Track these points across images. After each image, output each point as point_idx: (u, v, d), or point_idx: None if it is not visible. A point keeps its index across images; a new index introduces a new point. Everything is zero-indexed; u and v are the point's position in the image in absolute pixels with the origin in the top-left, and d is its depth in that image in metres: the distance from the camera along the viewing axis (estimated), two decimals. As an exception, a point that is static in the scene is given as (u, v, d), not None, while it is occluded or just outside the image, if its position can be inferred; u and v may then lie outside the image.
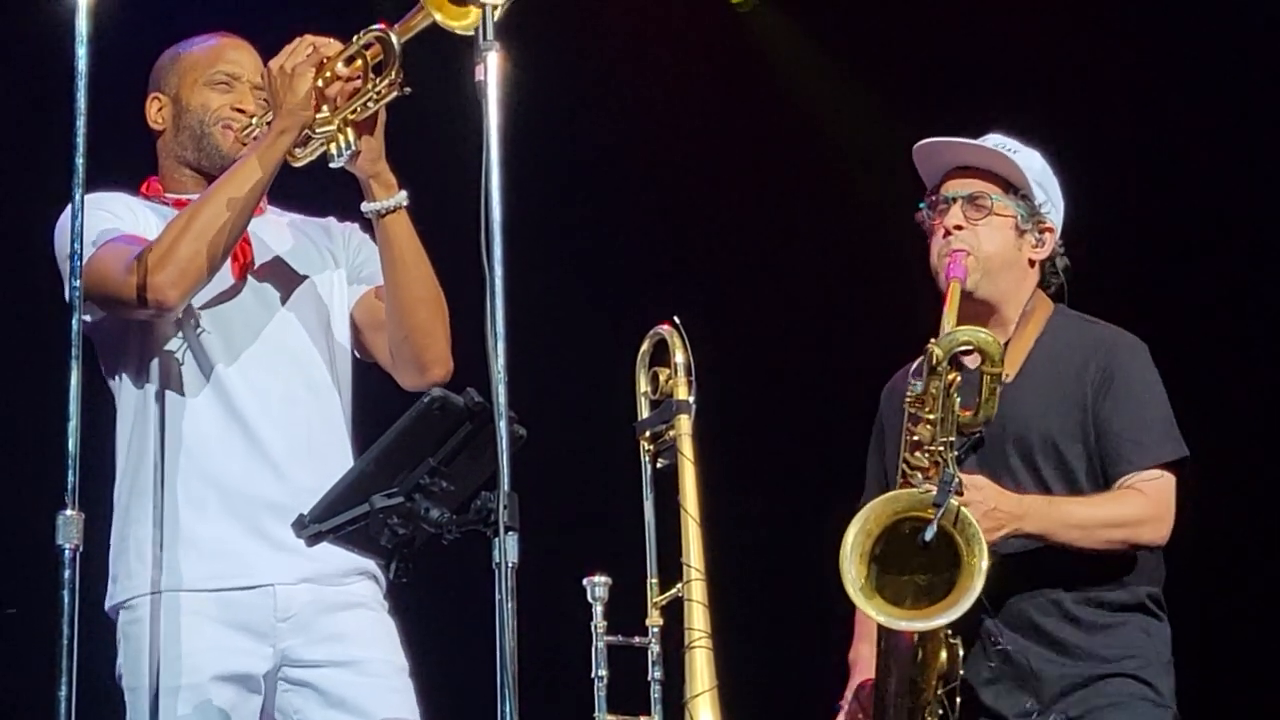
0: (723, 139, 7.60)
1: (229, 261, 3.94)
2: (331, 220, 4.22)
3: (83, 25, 3.59)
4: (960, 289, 4.24)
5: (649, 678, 4.16)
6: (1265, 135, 6.92)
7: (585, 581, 4.17)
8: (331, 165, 3.90)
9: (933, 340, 4.12)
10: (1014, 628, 4.19)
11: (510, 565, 3.24)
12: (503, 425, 3.27)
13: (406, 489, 3.36)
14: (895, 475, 4.20)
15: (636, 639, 4.18)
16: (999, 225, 4.35)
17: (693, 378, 4.30)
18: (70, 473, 3.43)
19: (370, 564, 3.88)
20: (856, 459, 4.61)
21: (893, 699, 4.16)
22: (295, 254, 4.10)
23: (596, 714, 4.11)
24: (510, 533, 3.24)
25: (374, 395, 4.15)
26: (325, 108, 3.87)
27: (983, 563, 3.96)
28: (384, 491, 3.36)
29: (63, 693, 3.37)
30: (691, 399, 4.28)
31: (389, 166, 3.92)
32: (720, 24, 7.76)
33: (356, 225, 4.16)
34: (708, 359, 4.35)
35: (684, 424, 4.26)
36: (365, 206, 3.94)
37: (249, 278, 4.02)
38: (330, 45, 3.87)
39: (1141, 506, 4.20)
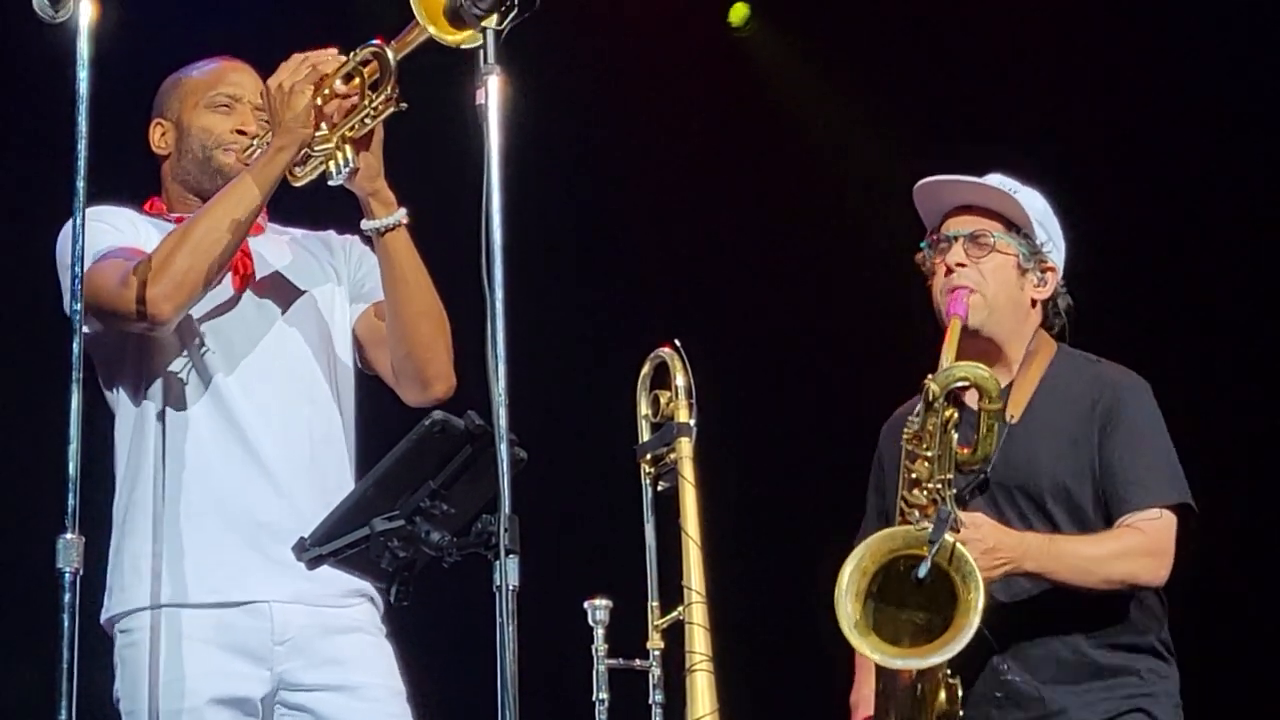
0: (723, 163, 7.61)
1: (229, 276, 3.94)
2: (331, 233, 4.22)
3: (84, 48, 3.59)
4: (961, 326, 4.23)
5: (650, 701, 4.16)
6: (1266, 174, 6.94)
7: (586, 604, 4.17)
8: (331, 183, 3.90)
9: (930, 376, 4.11)
10: (1019, 668, 4.18)
11: (511, 588, 3.23)
12: (503, 448, 3.27)
13: (407, 512, 3.35)
14: (894, 513, 4.18)
15: (637, 662, 4.18)
16: (1001, 263, 4.34)
17: (693, 401, 4.30)
18: (70, 496, 3.42)
19: (368, 586, 3.87)
20: (858, 482, 4.60)
21: (892, 738, 4.15)
22: (296, 268, 4.10)
23: (597, 737, 4.12)
24: (511, 556, 3.24)
25: (376, 410, 4.15)
26: (324, 125, 3.87)
27: (979, 600, 3.94)
28: (384, 514, 3.36)
29: (63, 716, 3.36)
30: (692, 422, 4.28)
31: (388, 184, 3.92)
32: (720, 48, 7.78)
33: (357, 238, 4.16)
34: (709, 382, 4.34)
35: (685, 447, 4.26)
36: (365, 224, 3.94)
37: (249, 292, 4.02)
38: (329, 62, 3.88)
39: (1139, 546, 4.18)
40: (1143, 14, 7.10)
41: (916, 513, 4.10)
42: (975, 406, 4.19)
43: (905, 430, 4.14)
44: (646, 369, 4.40)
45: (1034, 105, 7.02)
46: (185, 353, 3.95)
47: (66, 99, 3.58)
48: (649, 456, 4.32)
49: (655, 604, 4.23)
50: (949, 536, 3.98)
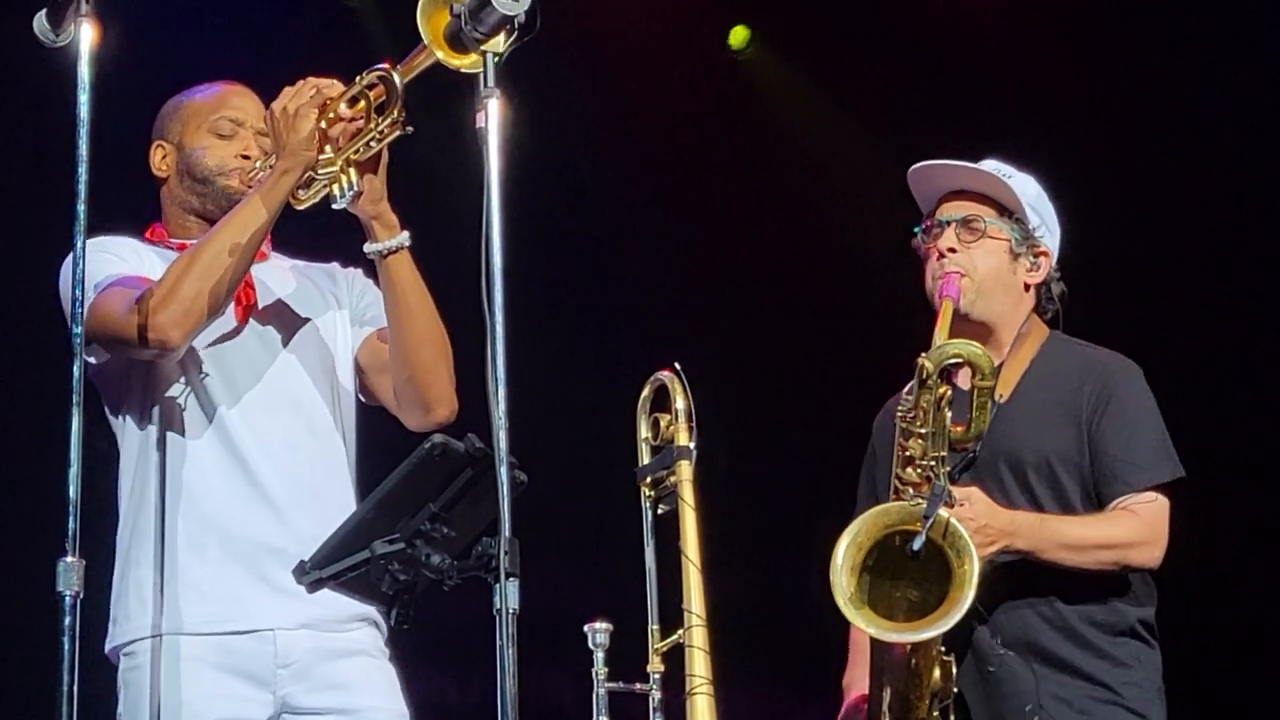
0: (723, 184, 7.63)
1: (232, 305, 3.94)
2: (335, 265, 4.23)
3: (84, 72, 3.59)
4: (953, 308, 4.26)
5: (650, 724, 4.15)
6: (1261, 164, 6.97)
7: (586, 627, 4.16)
8: (334, 206, 3.90)
9: (923, 354, 4.12)
10: (1009, 641, 4.19)
11: (511, 611, 3.23)
12: (504, 471, 3.27)
13: (407, 535, 3.35)
14: (887, 493, 4.19)
15: (638, 685, 4.17)
16: (993, 248, 4.37)
17: (693, 423, 4.30)
18: (71, 519, 3.42)
19: (371, 610, 3.87)
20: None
21: (886, 715, 4.15)
22: (298, 297, 4.10)
23: (598, 760, 4.11)
24: (511, 579, 3.23)
25: (377, 439, 4.15)
26: (328, 148, 3.87)
27: (973, 574, 3.95)
28: (385, 537, 3.35)
29: (63, 740, 3.36)
30: (692, 445, 4.28)
31: (391, 207, 3.92)
32: (719, 70, 7.79)
33: (360, 270, 4.16)
34: (708, 405, 4.35)
35: (685, 470, 4.26)
36: (368, 247, 3.94)
37: (251, 321, 4.01)
38: (333, 87, 3.88)
39: (1134, 528, 4.20)
40: (1139, 18, 7.14)
41: (910, 490, 4.11)
42: (967, 387, 4.20)
43: (899, 408, 4.16)
44: (646, 392, 4.40)
45: (1034, 124, 7.03)
46: (188, 382, 3.94)
47: (67, 122, 3.58)
48: (649, 479, 4.32)
49: (655, 627, 4.22)
50: (943, 511, 3.99)
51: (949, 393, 4.15)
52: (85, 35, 3.60)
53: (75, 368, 3.49)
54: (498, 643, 3.22)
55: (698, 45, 7.74)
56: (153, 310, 3.78)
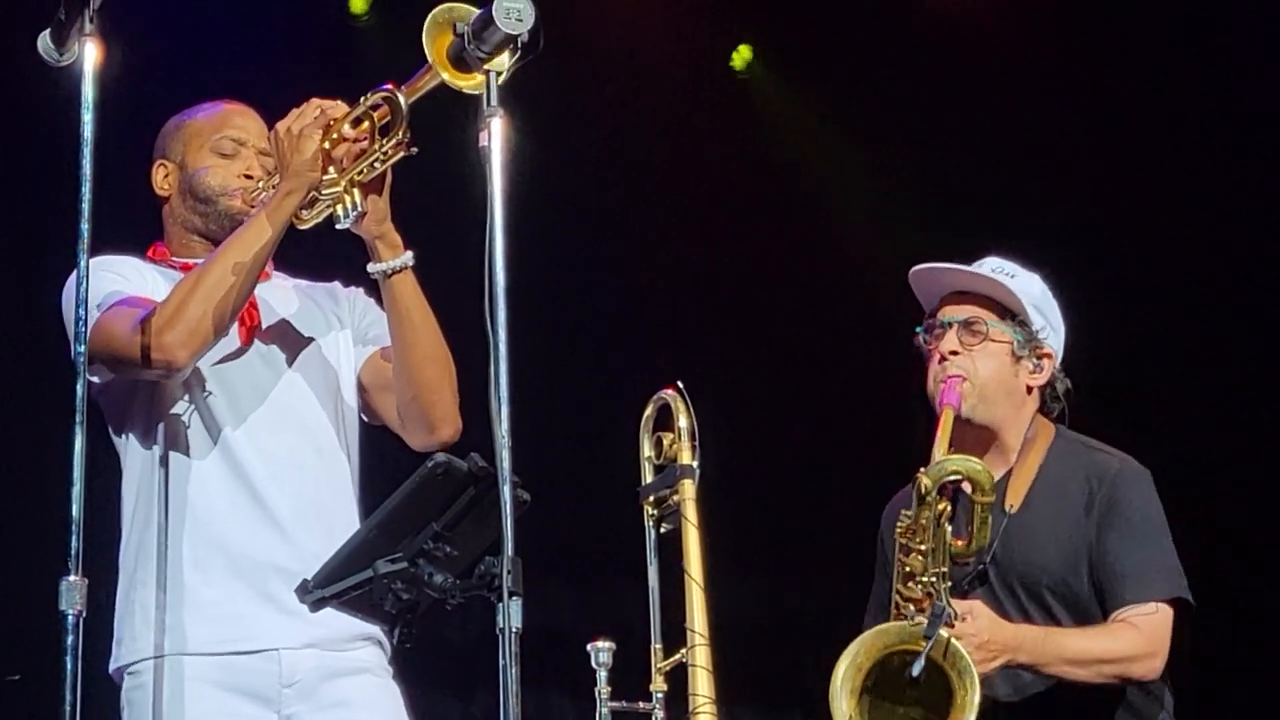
0: (726, 203, 7.63)
1: (236, 325, 3.94)
2: (336, 284, 4.23)
3: (88, 91, 3.60)
4: (954, 415, 4.22)
5: (653, 743, 4.15)
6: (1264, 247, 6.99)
7: (589, 647, 4.16)
8: (338, 227, 3.90)
9: (921, 470, 4.09)
10: None
11: (514, 630, 3.23)
12: (506, 490, 3.26)
13: (410, 554, 3.35)
14: (890, 606, 4.16)
15: (641, 704, 4.16)
16: (994, 351, 4.32)
17: (696, 442, 4.29)
18: (74, 538, 3.42)
19: (376, 629, 3.87)
20: (861, 526, 4.59)
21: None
22: (301, 317, 4.10)
23: (601, 780, 4.10)
24: (514, 598, 3.23)
25: (382, 458, 4.15)
26: (332, 169, 3.87)
27: (974, 696, 3.92)
28: (387, 557, 3.35)
29: (67, 760, 3.36)
30: (695, 463, 4.28)
31: (394, 227, 3.93)
32: (722, 90, 7.80)
33: (361, 289, 4.17)
34: (711, 423, 4.34)
35: (688, 488, 4.25)
36: (371, 268, 3.94)
37: (255, 341, 4.01)
38: (337, 107, 3.88)
39: (1133, 642, 4.16)
40: (1150, 79, 7.15)
41: (911, 607, 4.07)
42: (969, 489, 4.17)
43: (899, 524, 4.12)
44: (649, 411, 4.40)
45: (1035, 148, 7.04)
46: (193, 403, 3.94)
47: (71, 141, 3.58)
48: (652, 498, 4.32)
49: (658, 646, 4.22)
50: (944, 631, 3.96)
51: (949, 509, 4.11)
52: (89, 54, 3.60)
53: (78, 386, 3.49)
54: (501, 662, 3.21)
55: (701, 65, 7.75)
56: (159, 330, 3.78)
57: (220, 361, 3.96)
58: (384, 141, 3.82)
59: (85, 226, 3.55)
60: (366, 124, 3.86)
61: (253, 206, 4.01)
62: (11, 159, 6.32)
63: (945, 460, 4.10)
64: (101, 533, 3.81)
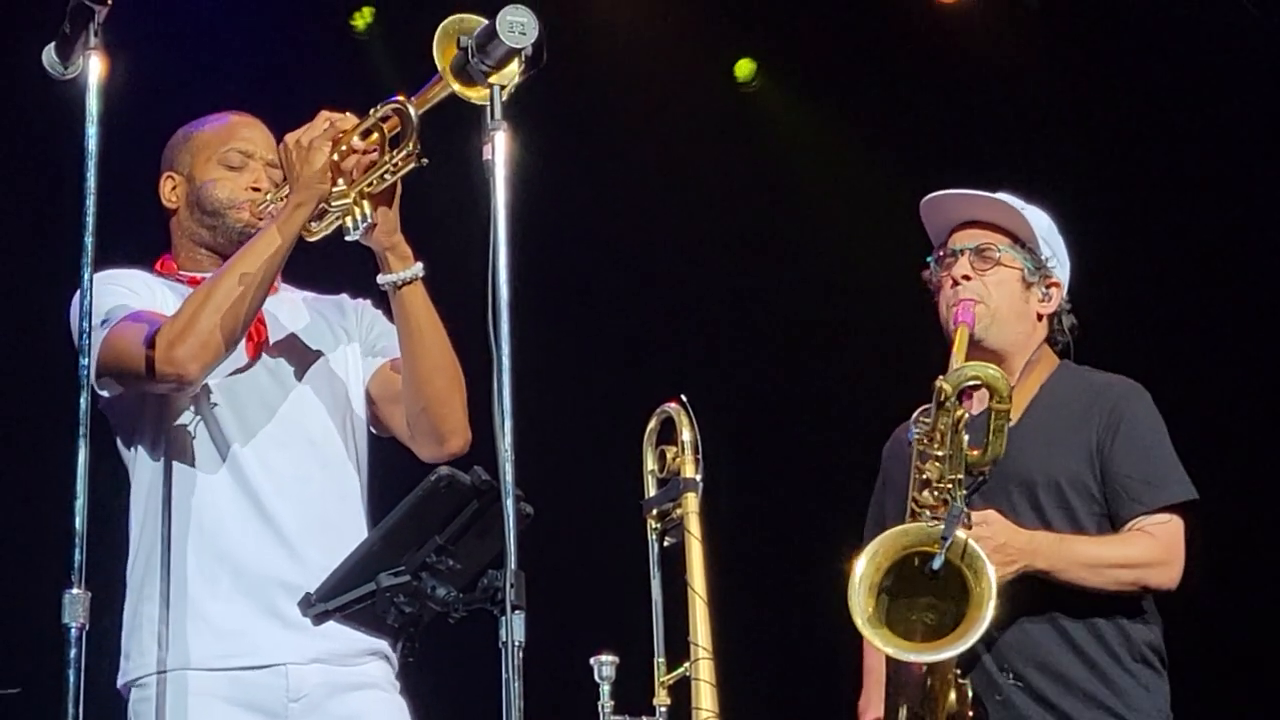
0: (729, 216, 7.64)
1: (243, 340, 3.94)
2: (344, 297, 4.23)
3: (93, 105, 3.60)
4: (968, 335, 4.27)
5: (656, 757, 4.15)
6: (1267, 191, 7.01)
7: (592, 660, 4.15)
8: (347, 238, 3.90)
9: (940, 377, 4.13)
10: (1017, 669, 4.17)
11: (517, 644, 3.22)
12: (510, 503, 3.26)
13: (413, 567, 3.35)
14: (898, 518, 4.19)
15: (643, 718, 4.16)
16: (1006, 276, 4.40)
17: (700, 456, 4.30)
18: (77, 551, 3.41)
19: (383, 644, 3.86)
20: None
21: (901, 737, 4.14)
22: (309, 331, 4.10)
23: (604, 794, 4.10)
24: (517, 611, 3.23)
25: (389, 472, 4.15)
26: (341, 181, 3.87)
27: (991, 591, 3.94)
28: (390, 570, 3.35)
29: (70, 773, 3.35)
30: (698, 477, 4.28)
31: (404, 238, 3.93)
32: (726, 104, 7.80)
33: (369, 301, 4.17)
34: (715, 437, 4.34)
35: (691, 502, 4.25)
36: (381, 279, 3.94)
37: (263, 355, 4.01)
38: (346, 119, 3.88)
39: (1151, 549, 4.21)
40: (1148, 53, 7.17)
41: (927, 513, 4.11)
42: (982, 413, 4.21)
43: (916, 430, 4.16)
44: (653, 424, 4.40)
45: (1043, 158, 7.05)
46: (200, 418, 3.94)
47: (75, 155, 3.59)
48: (655, 512, 4.32)
49: (661, 660, 4.22)
50: (961, 533, 3.98)
51: (966, 415, 4.15)
52: (94, 68, 3.61)
53: (82, 400, 3.48)
54: (503, 675, 3.21)
55: (704, 78, 7.76)
56: (169, 344, 3.77)
57: (228, 376, 3.96)
58: (394, 153, 3.82)
59: (89, 240, 3.55)
60: (376, 135, 3.86)
61: (261, 219, 4.01)
62: (15, 172, 6.32)
63: (964, 366, 4.16)
64: (104, 545, 3.81)
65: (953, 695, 4.07)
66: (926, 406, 4.15)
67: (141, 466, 3.97)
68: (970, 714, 4.09)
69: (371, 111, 3.86)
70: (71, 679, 3.37)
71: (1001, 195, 4.46)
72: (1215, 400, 6.99)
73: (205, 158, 4.11)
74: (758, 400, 7.65)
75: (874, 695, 4.37)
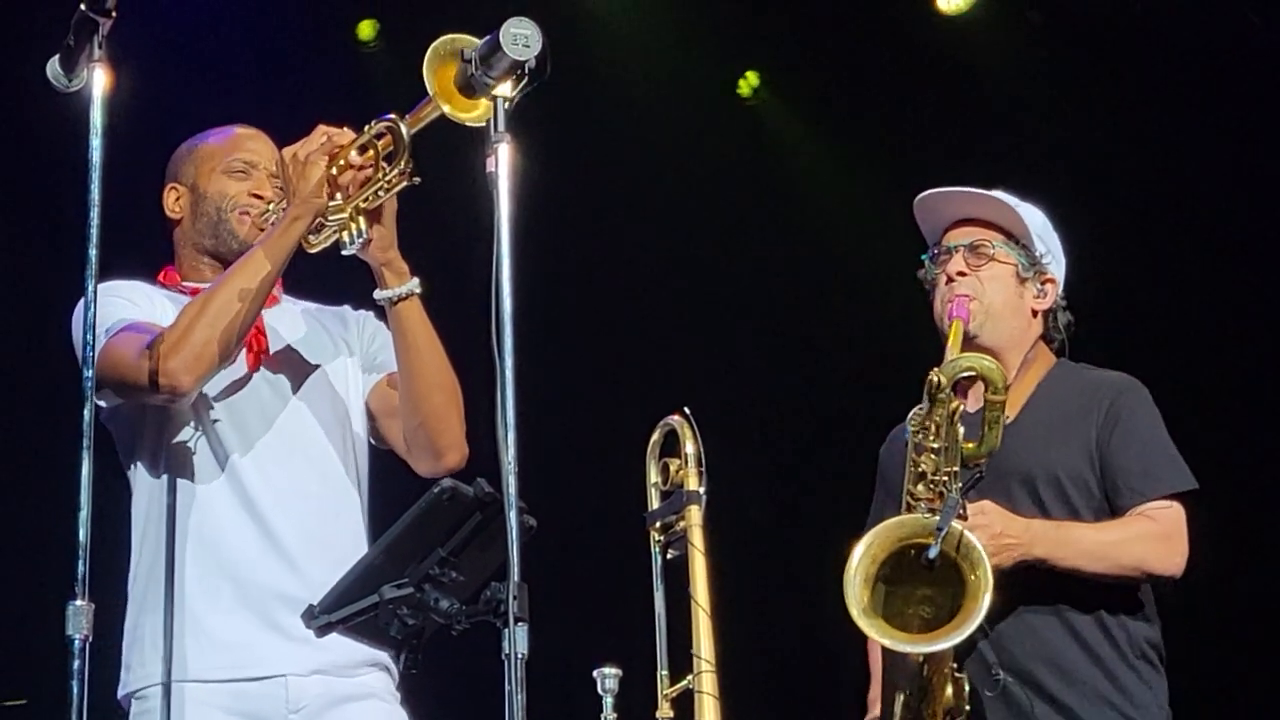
0: (732, 229, 7.64)
1: (243, 352, 3.94)
2: (346, 308, 4.23)
3: (97, 117, 3.61)
4: (963, 330, 4.27)
5: (659, 770, 4.14)
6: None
7: (595, 673, 4.15)
8: (344, 252, 3.91)
9: (935, 368, 4.12)
10: (1013, 663, 4.16)
11: (520, 656, 3.22)
12: (513, 515, 3.26)
13: (416, 579, 3.34)
14: (899, 512, 4.16)
15: (647, 731, 4.16)
16: (1000, 273, 4.40)
17: (703, 468, 4.29)
18: (80, 563, 3.42)
19: (383, 655, 3.86)
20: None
21: (897, 729, 4.13)
22: (309, 342, 4.11)
23: (607, 807, 4.10)
24: (520, 624, 3.23)
25: (392, 484, 4.15)
26: (338, 195, 3.88)
27: (987, 586, 3.92)
28: (393, 582, 3.35)
29: (72, 785, 3.35)
30: (702, 490, 4.27)
31: (401, 254, 3.93)
32: (729, 117, 7.81)
33: (371, 313, 4.17)
34: (718, 450, 4.34)
35: (694, 515, 4.25)
36: (378, 294, 3.95)
37: (263, 367, 4.02)
38: (344, 134, 3.89)
39: (1151, 532, 4.19)
40: (1150, 64, 7.18)
41: (922, 505, 4.09)
42: (973, 409, 4.20)
43: (910, 423, 4.14)
44: (656, 436, 4.40)
45: (1047, 171, 7.05)
46: (201, 429, 3.95)
47: (79, 167, 3.59)
48: (658, 524, 4.31)
49: (664, 672, 4.21)
50: (956, 524, 3.97)
51: (961, 406, 4.14)
52: (98, 80, 3.61)
53: (86, 411, 3.49)
54: (507, 688, 3.21)
55: (707, 91, 7.77)
56: (164, 356, 3.78)
57: (228, 388, 3.96)
58: (388, 170, 3.83)
59: (93, 252, 3.55)
60: (371, 151, 3.87)
61: (262, 231, 4.02)
62: (19, 184, 6.33)
63: (959, 357, 4.15)
64: (108, 557, 3.81)
65: (949, 689, 4.04)
66: (922, 405, 4.14)
67: (142, 479, 3.98)
68: (967, 708, 4.08)
69: (366, 128, 3.87)
70: (75, 690, 3.37)
71: (995, 192, 4.46)
72: (1211, 398, 7.00)
73: (209, 168, 4.12)
74: (762, 412, 7.65)
75: (879, 689, 4.36)
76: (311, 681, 3.87)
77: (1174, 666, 4.30)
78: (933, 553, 3.93)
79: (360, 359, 4.15)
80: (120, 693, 3.92)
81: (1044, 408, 4.34)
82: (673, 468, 4.33)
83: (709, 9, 7.50)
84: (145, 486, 3.97)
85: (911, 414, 4.15)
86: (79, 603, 3.40)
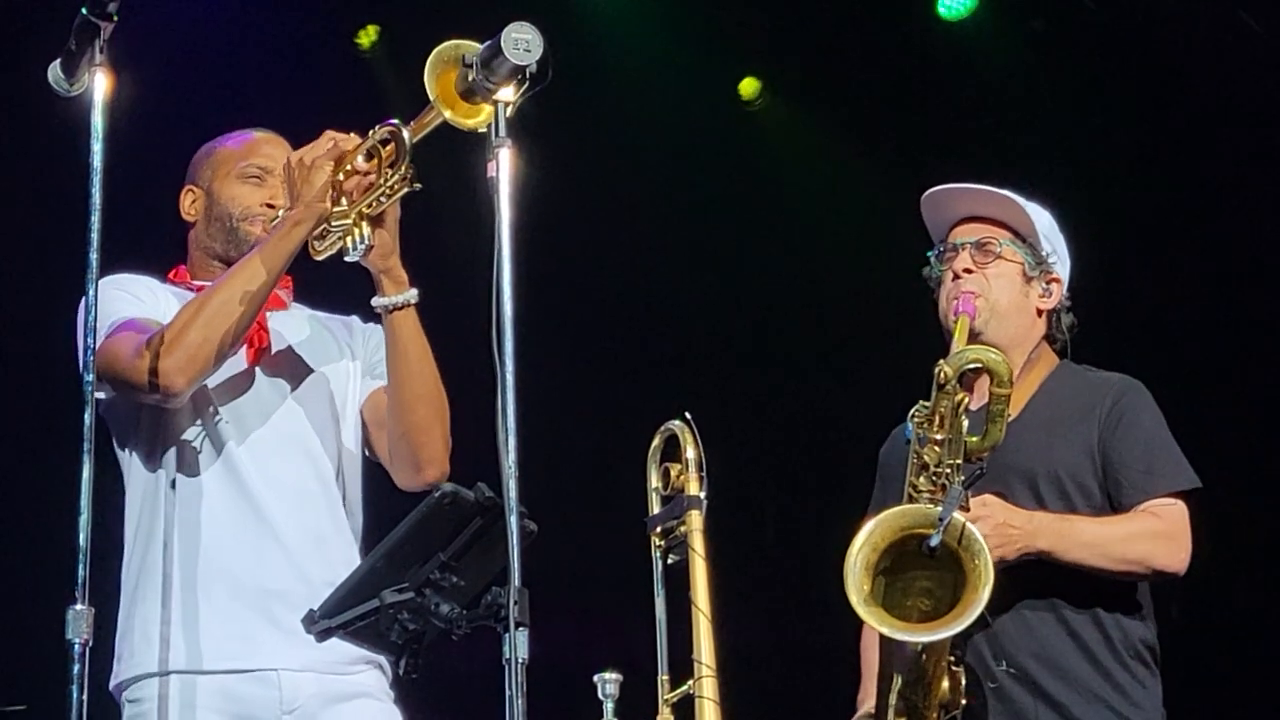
0: (734, 234, 7.64)
1: (244, 349, 3.95)
2: (355, 318, 4.24)
3: (98, 121, 3.61)
4: (969, 325, 4.27)
5: (660, 775, 4.14)
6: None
7: (596, 678, 4.15)
8: (347, 259, 3.91)
9: (942, 360, 4.12)
10: (1012, 658, 4.16)
11: (521, 661, 3.22)
12: (513, 520, 3.26)
13: (417, 584, 3.35)
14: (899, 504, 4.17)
15: (647, 736, 4.16)
16: (1007, 270, 4.40)
17: (704, 473, 4.29)
18: (81, 567, 3.42)
19: (377, 654, 3.87)
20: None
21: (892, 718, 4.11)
22: (310, 346, 4.11)
23: (607, 812, 4.09)
24: (521, 628, 3.23)
25: (391, 488, 4.15)
26: (343, 201, 3.88)
27: (988, 577, 3.90)
28: (394, 586, 3.35)
29: (71, 787, 3.35)
30: (702, 494, 4.27)
31: (402, 263, 3.93)
32: (731, 121, 7.82)
33: (379, 325, 4.17)
34: (719, 454, 4.34)
35: (695, 519, 4.24)
36: (375, 301, 3.95)
37: (262, 365, 4.02)
38: (350, 140, 3.90)
39: (1156, 528, 4.18)
40: (1152, 69, 7.19)
41: (924, 497, 4.08)
42: (975, 407, 4.19)
43: (915, 415, 4.13)
44: (657, 442, 4.39)
45: (1048, 178, 7.06)
46: (199, 422, 3.96)
47: (80, 171, 3.59)
48: (659, 529, 4.31)
49: (665, 677, 4.21)
50: (959, 515, 3.96)
51: (967, 399, 4.14)
52: (99, 85, 3.62)
53: (86, 415, 3.49)
54: (507, 692, 3.21)
55: (708, 95, 7.77)
56: (159, 355, 3.78)
57: (227, 385, 3.97)
58: (390, 176, 3.83)
59: (94, 256, 3.56)
60: (375, 158, 3.87)
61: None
62: (21, 188, 6.33)
63: (965, 350, 4.14)
64: (108, 561, 3.81)
65: (946, 682, 4.03)
66: (925, 402, 4.13)
67: (136, 469, 3.98)
68: (964, 702, 4.06)
69: (370, 133, 3.88)
70: (75, 695, 3.37)
71: (1003, 190, 4.46)
72: (1211, 398, 7.00)
73: (225, 172, 4.12)
74: (762, 417, 7.65)
75: (870, 686, 4.34)
76: (305, 679, 3.87)
77: (1172, 667, 4.30)
78: (934, 541, 3.92)
79: (362, 366, 4.16)
80: (112, 683, 3.91)
81: (1046, 406, 4.34)
82: (673, 472, 4.32)
83: (710, 14, 7.51)
84: (139, 477, 3.97)
85: (915, 408, 4.15)
86: (79, 607, 3.40)
